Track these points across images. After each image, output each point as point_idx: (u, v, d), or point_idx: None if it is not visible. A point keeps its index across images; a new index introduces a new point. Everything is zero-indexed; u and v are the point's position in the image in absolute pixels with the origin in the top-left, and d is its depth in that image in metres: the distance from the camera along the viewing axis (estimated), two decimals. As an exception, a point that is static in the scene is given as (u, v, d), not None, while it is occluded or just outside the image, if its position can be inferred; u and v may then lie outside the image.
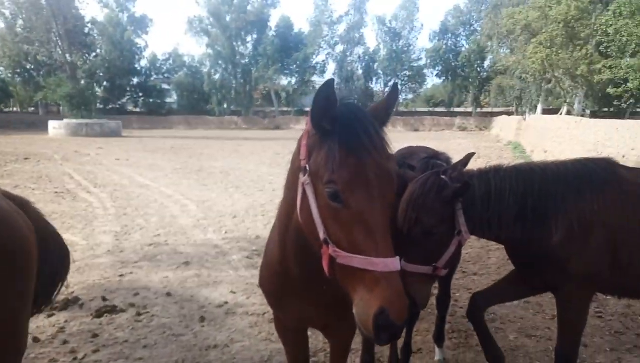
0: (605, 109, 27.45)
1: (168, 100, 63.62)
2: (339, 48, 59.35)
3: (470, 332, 4.58)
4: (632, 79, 17.13)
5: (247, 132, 46.09)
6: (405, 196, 2.61)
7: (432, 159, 3.44)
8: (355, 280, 1.49)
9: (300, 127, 50.90)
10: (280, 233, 2.05)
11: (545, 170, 2.77)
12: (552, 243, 2.67)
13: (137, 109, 60.49)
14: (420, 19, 79.99)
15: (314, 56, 59.01)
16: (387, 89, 58.12)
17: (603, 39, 18.54)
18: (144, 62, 60.78)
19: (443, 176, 2.67)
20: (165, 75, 62.43)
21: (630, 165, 3.25)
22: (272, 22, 59.30)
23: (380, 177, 1.54)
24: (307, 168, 1.62)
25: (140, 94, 60.48)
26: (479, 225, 2.68)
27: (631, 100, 19.53)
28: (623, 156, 9.80)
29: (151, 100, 60.05)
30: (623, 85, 17.76)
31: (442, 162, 3.48)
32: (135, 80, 59.86)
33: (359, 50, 59.90)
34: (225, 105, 59.83)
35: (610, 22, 16.83)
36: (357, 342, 3.89)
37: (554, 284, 2.84)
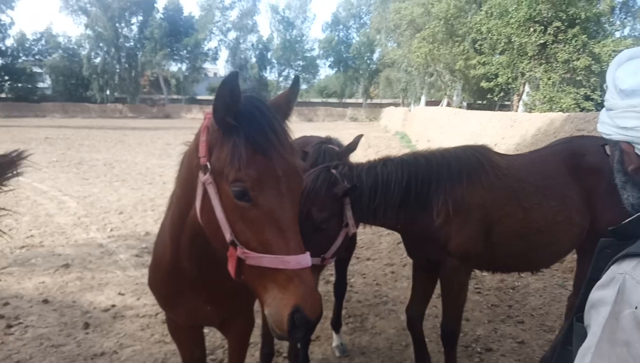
0: (480, 102, 30.14)
1: (41, 85, 57.49)
2: (232, 35, 58.03)
3: (366, 316, 4.76)
4: (501, 75, 18.97)
5: (133, 121, 43.28)
6: None
7: (325, 143, 3.58)
8: (266, 280, 1.44)
9: (192, 116, 49.07)
10: (173, 232, 1.92)
11: (429, 159, 2.95)
12: (434, 225, 2.86)
13: (3, 95, 53.83)
14: (313, 9, 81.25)
15: (205, 42, 57.00)
16: (281, 79, 58.35)
17: (477, 37, 20.23)
18: (9, 42, 54.11)
19: (334, 171, 2.74)
20: (37, 57, 55.92)
21: (502, 152, 3.61)
22: (160, 4, 56.24)
23: (288, 174, 1.51)
24: (209, 166, 1.52)
25: (7, 78, 53.74)
26: (367, 214, 2.80)
27: (501, 94, 21.64)
28: (495, 144, 10.84)
29: (20, 85, 53.69)
30: (494, 80, 19.57)
31: (334, 146, 3.60)
32: (-1, 61, 53.22)
33: (252, 38, 59.07)
34: (108, 92, 55.62)
35: (483, 22, 18.45)
36: (255, 335, 3.84)
37: (438, 262, 3.05)
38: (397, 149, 18.00)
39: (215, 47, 58.52)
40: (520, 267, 3.38)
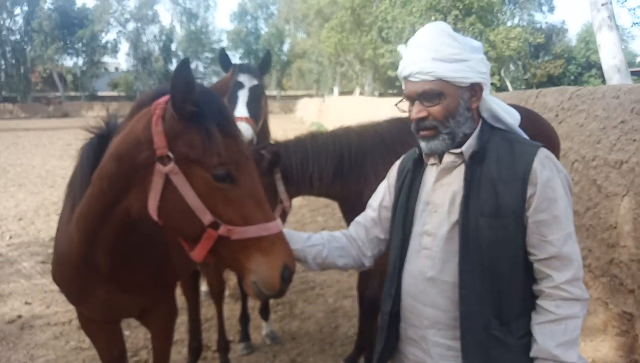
0: (390, 91, 31.27)
1: None
2: (132, 26, 54.79)
3: (294, 302, 4.77)
4: (408, 63, 19.83)
5: (27, 121, 39.55)
6: None
7: None
8: (249, 250, 1.52)
9: (94, 114, 44.60)
10: (86, 228, 1.82)
11: (361, 133, 3.02)
12: (368, 193, 2.91)
13: None
14: (217, -2, 78.72)
15: (103, 34, 53.31)
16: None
17: (384, 26, 20.91)
18: None
19: (262, 151, 2.73)
20: None
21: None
22: (48, -6, 51.52)
23: (249, 152, 1.64)
24: (171, 156, 1.51)
25: None
26: (303, 184, 2.83)
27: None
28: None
29: None
30: (401, 68, 20.38)
31: None
32: None
33: (154, 29, 56.16)
34: (-6, 91, 50.34)
35: (388, 11, 19.15)
36: (181, 332, 3.69)
37: None
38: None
39: (115, 40, 54.87)
40: None
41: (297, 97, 52.95)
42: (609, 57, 6.88)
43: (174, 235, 1.68)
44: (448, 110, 1.52)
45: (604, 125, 4.06)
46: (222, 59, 3.96)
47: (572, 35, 49.86)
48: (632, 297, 3.57)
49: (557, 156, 4.20)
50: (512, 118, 1.63)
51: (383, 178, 1.96)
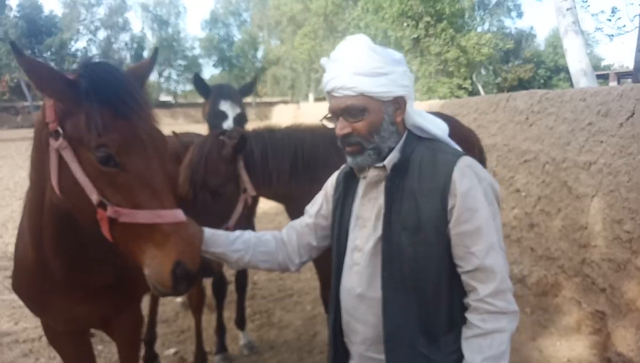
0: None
1: None
2: (102, 34, 53.87)
3: (272, 311, 4.72)
4: (381, 67, 20.06)
5: (-6, 132, 38.43)
6: (186, 162, 2.58)
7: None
8: (143, 240, 1.45)
9: None
10: (32, 226, 1.79)
11: (314, 133, 2.89)
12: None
13: None
14: (186, 3, 78.11)
15: (72, 42, 52.24)
16: (162, 80, 55.72)
17: (356, 32, 21.09)
18: None
19: (222, 138, 2.66)
20: None
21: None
22: (13, 2, 50.30)
23: (152, 137, 1.53)
24: (60, 131, 1.48)
25: None
26: (262, 180, 2.73)
27: (381, 87, 22.97)
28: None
29: None
30: (375, 74, 20.58)
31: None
32: None
33: (125, 36, 55.36)
34: (-43, 102, 48.71)
35: (361, 17, 19.33)
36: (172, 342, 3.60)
37: None
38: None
39: (85, 48, 53.72)
40: None
41: (272, 104, 52.68)
42: (576, 61, 7.08)
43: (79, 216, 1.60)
44: (372, 125, 1.50)
45: (572, 128, 4.15)
46: (198, 83, 3.82)
47: (541, 40, 51.18)
48: (604, 296, 3.65)
49: (482, 159, 4.14)
50: (440, 129, 1.61)
51: None
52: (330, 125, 1.60)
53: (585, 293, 3.92)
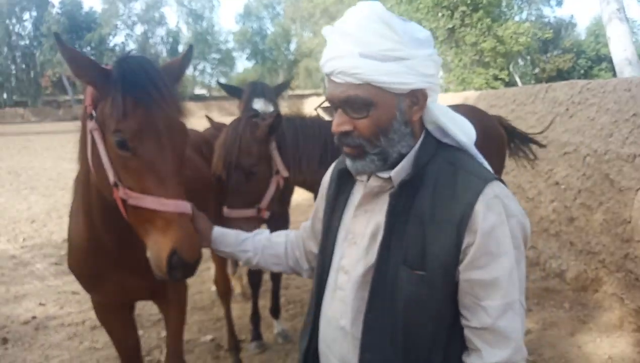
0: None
1: None
2: (139, 29, 55.20)
3: (305, 301, 4.76)
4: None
5: (38, 125, 39.97)
6: (220, 142, 2.62)
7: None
8: (148, 223, 1.53)
9: None
10: (84, 204, 1.93)
11: None
12: None
13: None
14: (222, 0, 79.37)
15: (111, 38, 53.76)
16: (197, 73, 56.56)
17: (391, 23, 20.81)
18: None
19: (255, 120, 2.70)
20: None
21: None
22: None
23: (170, 128, 1.59)
24: (94, 114, 1.60)
25: None
26: (292, 165, 2.76)
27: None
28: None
29: None
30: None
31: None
32: None
33: (161, 31, 56.53)
34: (5, 96, 50.89)
35: (394, 8, 19.07)
36: (194, 332, 3.70)
37: None
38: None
39: (123, 42, 55.35)
40: None
41: (304, 96, 52.78)
42: (620, 50, 6.81)
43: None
44: (379, 125, 1.15)
45: (615, 119, 4.02)
46: (227, 90, 3.84)
47: (581, 29, 49.57)
48: (648, 292, 3.53)
49: (502, 154, 4.07)
50: (466, 135, 1.25)
51: None
52: (326, 117, 1.36)
53: (628, 289, 3.80)
